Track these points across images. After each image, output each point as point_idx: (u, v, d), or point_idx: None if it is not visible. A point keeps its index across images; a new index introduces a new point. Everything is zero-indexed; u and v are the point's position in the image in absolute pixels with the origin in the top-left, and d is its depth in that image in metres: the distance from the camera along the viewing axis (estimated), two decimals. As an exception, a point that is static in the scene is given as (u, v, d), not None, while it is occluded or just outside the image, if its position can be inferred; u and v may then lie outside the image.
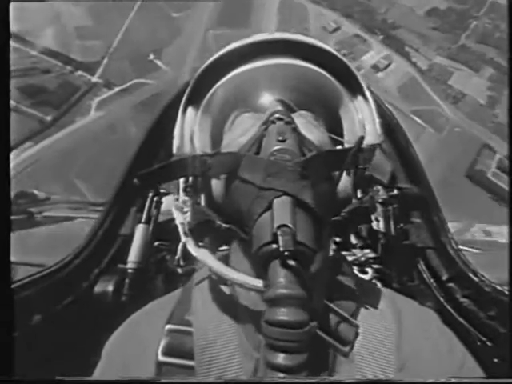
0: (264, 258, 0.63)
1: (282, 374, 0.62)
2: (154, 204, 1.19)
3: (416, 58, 16.47)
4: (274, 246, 0.62)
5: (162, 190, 1.18)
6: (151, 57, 14.81)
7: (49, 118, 12.56)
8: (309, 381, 0.71)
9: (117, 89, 13.82)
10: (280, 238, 0.62)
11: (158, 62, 14.67)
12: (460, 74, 15.83)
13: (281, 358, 0.61)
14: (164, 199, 1.20)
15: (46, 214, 2.51)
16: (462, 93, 15.29)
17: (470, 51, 16.43)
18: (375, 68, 16.30)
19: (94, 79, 14.01)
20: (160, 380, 0.75)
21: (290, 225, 0.63)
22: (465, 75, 15.79)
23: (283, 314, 0.60)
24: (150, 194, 1.18)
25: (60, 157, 11.76)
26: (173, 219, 0.88)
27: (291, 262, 0.62)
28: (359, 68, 16.05)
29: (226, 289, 0.79)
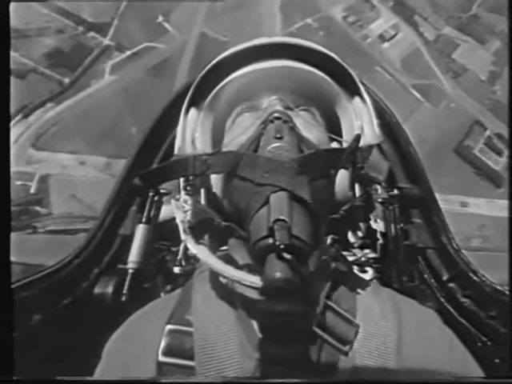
0: (261, 252, 0.64)
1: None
2: (154, 204, 1.19)
3: (424, 27, 16.10)
4: (271, 240, 0.63)
5: (162, 190, 1.18)
6: (160, 19, 14.66)
7: (67, 80, 12.75)
8: (309, 381, 0.71)
9: (128, 52, 13.85)
10: (276, 232, 0.63)
11: (167, 25, 14.54)
12: (465, 47, 15.57)
13: (278, 349, 0.61)
14: (163, 208, 1.20)
15: (49, 228, 2.55)
16: (464, 67, 15.02)
17: (480, 22, 16.01)
18: (381, 38, 15.93)
19: (106, 41, 14.01)
20: (160, 380, 0.75)
21: (286, 219, 0.64)
22: (470, 48, 15.50)
23: (279, 306, 0.61)
24: (150, 194, 1.18)
25: (81, 118, 12.01)
26: (173, 219, 0.88)
27: (287, 256, 0.63)
28: (366, 37, 15.75)
29: (223, 279, 0.80)
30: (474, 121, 13.90)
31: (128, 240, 1.16)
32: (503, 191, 11.82)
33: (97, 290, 1.09)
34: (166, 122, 1.20)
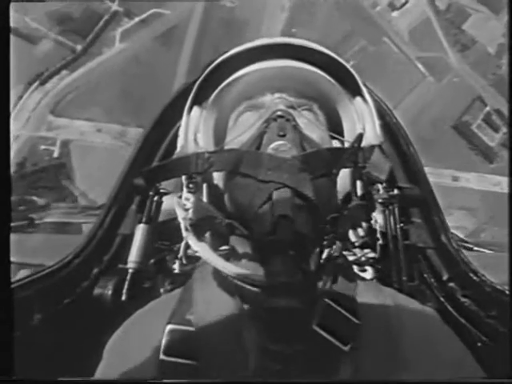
0: (263, 248, 0.65)
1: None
2: (154, 204, 1.19)
3: (436, -6, 15.29)
4: (274, 236, 0.64)
5: (162, 190, 1.18)
6: (165, -19, 14.45)
7: (79, 47, 12.76)
8: (309, 381, 0.71)
9: (137, 19, 13.70)
10: (279, 228, 0.64)
11: (172, -13, 14.39)
12: (477, 17, 14.86)
13: (278, 345, 0.62)
14: (164, 199, 1.20)
15: (46, 219, 2.55)
16: (473, 40, 14.45)
17: (497, -13, 15.32)
18: (391, 6, 15.00)
19: (115, 7, 13.78)
20: (161, 380, 0.75)
21: (289, 215, 0.65)
22: (482, 18, 14.81)
23: (281, 301, 0.62)
24: (150, 194, 1.18)
25: (95, 86, 12.13)
26: (173, 219, 0.89)
27: (290, 252, 0.64)
28: (375, 5, 14.91)
29: (224, 277, 0.80)
30: (476, 96, 13.67)
31: (128, 240, 1.16)
32: (494, 167, 11.83)
33: (97, 290, 1.09)
34: (167, 120, 1.20)
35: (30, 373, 0.79)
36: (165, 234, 1.18)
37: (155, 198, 1.18)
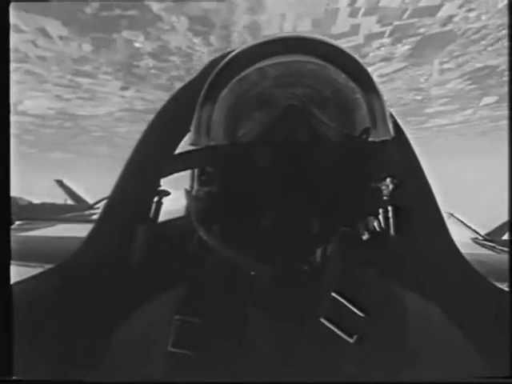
0: (273, 238, 0.67)
1: None
2: (154, 204, 1.18)
3: None
4: (282, 226, 0.67)
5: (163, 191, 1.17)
6: None
7: None
8: (309, 381, 0.72)
9: None
10: (287, 219, 0.68)
11: None
12: None
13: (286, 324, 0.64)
14: (164, 199, 1.20)
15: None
16: None
17: None
18: None
19: None
20: (161, 380, 0.76)
21: (298, 207, 0.68)
22: None
23: (289, 291, 0.65)
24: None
25: None
26: (174, 219, 0.89)
27: (297, 243, 0.67)
28: None
29: (233, 270, 0.84)
30: None
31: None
32: None
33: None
34: (171, 113, 1.19)
35: (29, 373, 0.78)
36: (165, 234, 1.17)
37: (155, 199, 1.18)
